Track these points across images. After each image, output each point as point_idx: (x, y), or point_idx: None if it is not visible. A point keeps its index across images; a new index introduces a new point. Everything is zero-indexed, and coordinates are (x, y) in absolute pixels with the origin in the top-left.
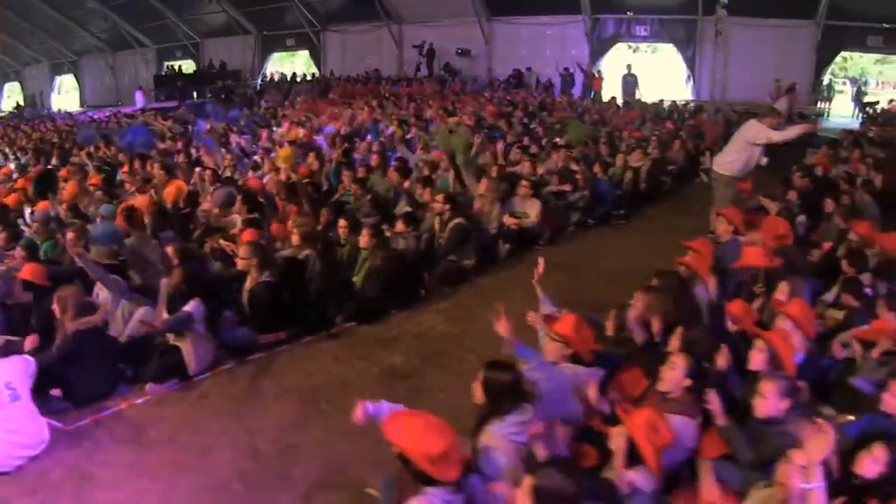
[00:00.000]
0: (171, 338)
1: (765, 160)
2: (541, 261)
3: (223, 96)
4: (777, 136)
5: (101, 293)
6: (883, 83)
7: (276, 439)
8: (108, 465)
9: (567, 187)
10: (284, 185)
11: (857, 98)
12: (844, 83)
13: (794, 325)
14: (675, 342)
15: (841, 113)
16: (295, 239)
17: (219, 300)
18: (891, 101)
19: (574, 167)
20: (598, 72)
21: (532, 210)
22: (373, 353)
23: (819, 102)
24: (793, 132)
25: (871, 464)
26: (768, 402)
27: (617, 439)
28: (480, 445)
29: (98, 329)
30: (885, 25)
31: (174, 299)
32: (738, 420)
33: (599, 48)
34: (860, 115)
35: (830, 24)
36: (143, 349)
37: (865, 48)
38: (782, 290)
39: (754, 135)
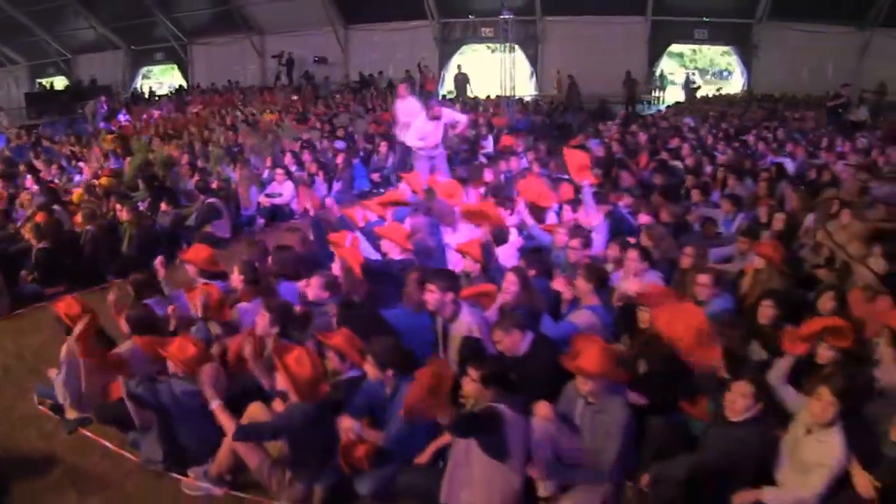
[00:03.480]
0: None
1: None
2: None
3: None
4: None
5: None
6: None
7: (37, 349)
8: None
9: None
10: (85, 184)
11: (687, 86)
12: (694, 73)
13: (390, 244)
14: None
15: (674, 100)
16: (78, 219)
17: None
18: (718, 88)
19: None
20: (428, 69)
21: (286, 191)
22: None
23: (653, 91)
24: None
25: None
26: (312, 289)
27: None
28: None
29: None
30: (705, 19)
31: None
32: None
33: (448, 50)
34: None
35: (658, 20)
36: None
37: (693, 40)
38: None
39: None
